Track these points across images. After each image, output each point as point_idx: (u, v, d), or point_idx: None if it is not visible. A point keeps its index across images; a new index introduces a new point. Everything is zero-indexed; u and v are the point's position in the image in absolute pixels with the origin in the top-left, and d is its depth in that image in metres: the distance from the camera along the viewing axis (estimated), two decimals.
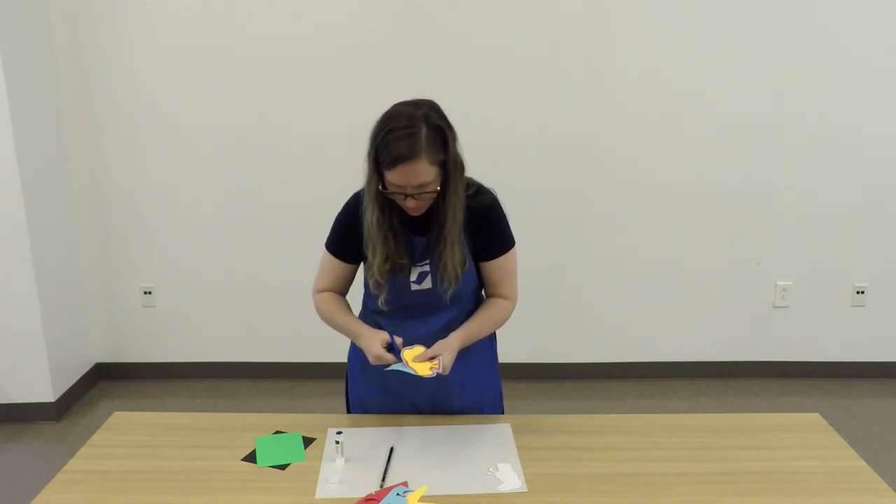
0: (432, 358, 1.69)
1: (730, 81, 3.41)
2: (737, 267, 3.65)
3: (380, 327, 1.82)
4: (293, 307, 3.64)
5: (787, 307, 3.70)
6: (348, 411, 2.01)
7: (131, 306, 3.69)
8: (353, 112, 3.38)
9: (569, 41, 3.36)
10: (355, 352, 1.93)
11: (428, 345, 1.73)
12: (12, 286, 3.19)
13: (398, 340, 1.71)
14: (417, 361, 1.67)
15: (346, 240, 1.78)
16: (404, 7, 3.32)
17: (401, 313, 1.79)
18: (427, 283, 1.75)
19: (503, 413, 1.98)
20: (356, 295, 1.90)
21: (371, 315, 1.86)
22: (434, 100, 1.65)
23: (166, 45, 3.36)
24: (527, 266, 3.81)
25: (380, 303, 1.76)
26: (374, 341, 1.70)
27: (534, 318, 3.63)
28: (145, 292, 3.67)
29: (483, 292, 1.89)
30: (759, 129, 3.47)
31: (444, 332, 1.78)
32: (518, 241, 1.82)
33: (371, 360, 1.70)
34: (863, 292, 3.68)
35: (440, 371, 1.66)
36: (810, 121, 3.46)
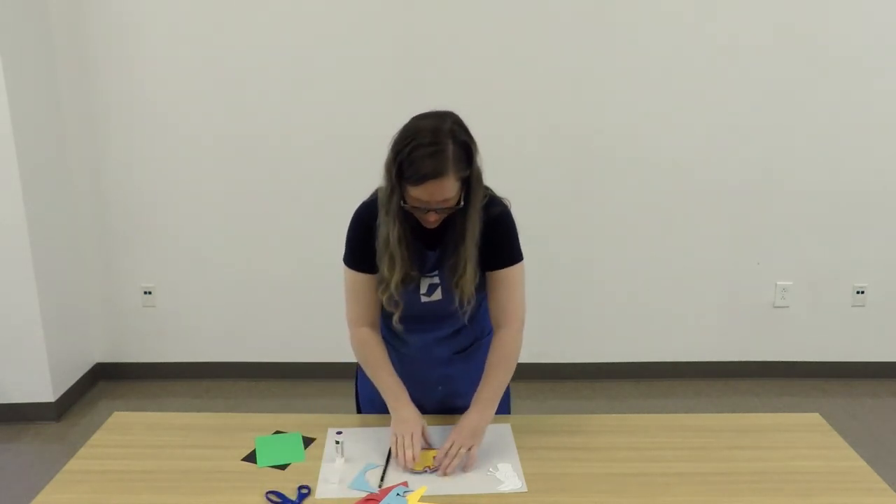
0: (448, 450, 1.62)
1: (730, 82, 3.41)
2: (737, 267, 3.65)
3: (389, 330, 1.82)
4: (293, 307, 3.64)
5: (787, 307, 3.70)
6: (358, 408, 2.01)
7: (131, 306, 3.68)
8: (353, 115, 3.39)
9: (567, 42, 3.36)
10: None
11: (433, 351, 1.77)
12: (12, 286, 3.19)
13: (425, 442, 1.66)
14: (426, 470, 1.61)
15: (365, 253, 1.71)
16: (404, 10, 3.32)
17: (409, 323, 1.77)
18: (437, 295, 1.73)
19: (510, 413, 1.98)
20: None
21: (382, 319, 1.85)
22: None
23: (166, 46, 3.35)
24: (527, 266, 3.79)
25: (394, 320, 1.71)
26: (411, 423, 1.66)
27: (534, 318, 3.58)
28: (145, 292, 3.66)
29: (490, 318, 1.82)
30: (760, 130, 3.47)
31: (455, 336, 1.79)
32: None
33: (401, 435, 1.64)
34: (863, 292, 3.68)
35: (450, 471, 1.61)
36: (810, 121, 3.46)
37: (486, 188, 1.72)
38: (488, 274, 1.75)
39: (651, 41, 3.36)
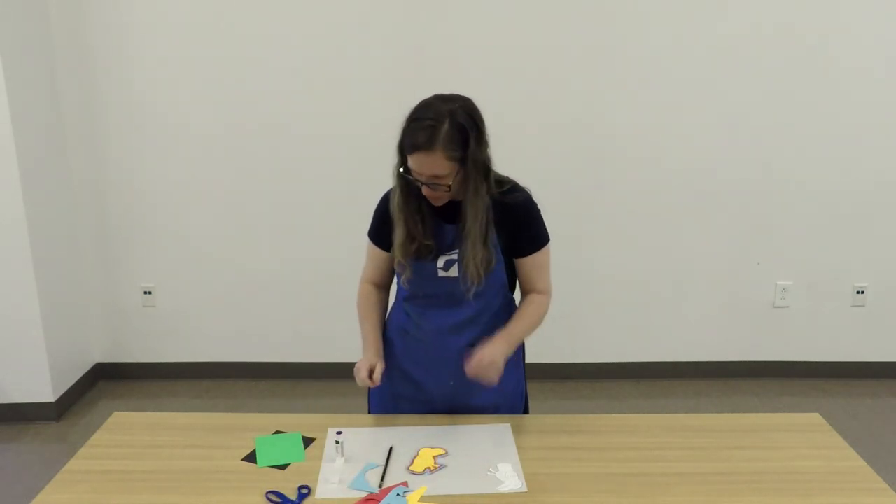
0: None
1: (730, 83, 3.41)
2: (737, 267, 3.65)
3: (408, 316, 1.87)
4: (293, 307, 3.63)
5: (787, 307, 3.70)
6: (369, 403, 2.02)
7: (131, 306, 3.69)
8: (356, 115, 3.39)
9: (570, 41, 3.36)
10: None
11: (446, 339, 1.81)
12: (12, 286, 3.19)
13: (377, 374, 1.76)
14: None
15: (382, 229, 1.84)
16: (403, 10, 3.32)
17: (425, 301, 1.83)
18: (454, 272, 1.78)
19: (527, 413, 1.98)
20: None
21: (401, 303, 1.90)
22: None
23: (165, 46, 3.35)
24: None
25: (402, 282, 1.81)
26: (366, 361, 1.78)
27: None
28: (145, 292, 3.66)
29: (518, 287, 1.93)
30: (760, 130, 3.47)
31: (468, 325, 1.81)
32: None
33: (357, 367, 1.79)
34: (863, 292, 3.68)
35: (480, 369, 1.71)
36: (810, 121, 3.46)
37: (505, 177, 1.81)
38: (518, 260, 1.83)
39: (651, 41, 3.36)
